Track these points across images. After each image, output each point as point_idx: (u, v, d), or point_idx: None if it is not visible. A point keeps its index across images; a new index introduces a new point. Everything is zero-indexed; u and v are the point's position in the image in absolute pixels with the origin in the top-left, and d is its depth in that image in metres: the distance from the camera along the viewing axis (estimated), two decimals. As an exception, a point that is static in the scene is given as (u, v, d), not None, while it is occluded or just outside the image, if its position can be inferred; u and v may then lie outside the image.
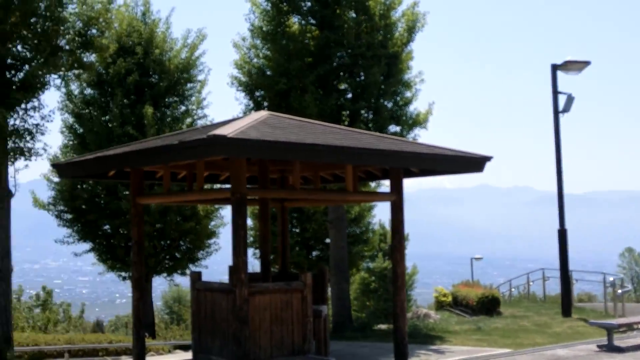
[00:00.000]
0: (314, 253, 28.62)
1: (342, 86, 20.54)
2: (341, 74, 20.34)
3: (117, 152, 12.01)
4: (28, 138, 14.53)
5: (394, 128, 20.44)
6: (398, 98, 20.64)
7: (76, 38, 14.63)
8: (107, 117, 23.33)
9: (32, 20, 14.36)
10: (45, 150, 15.08)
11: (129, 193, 13.12)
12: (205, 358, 11.82)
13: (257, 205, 14.86)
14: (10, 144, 14.54)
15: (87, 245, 24.97)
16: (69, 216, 24.33)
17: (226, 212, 25.65)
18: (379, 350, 14.97)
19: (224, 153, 10.04)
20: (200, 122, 24.47)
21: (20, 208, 15.17)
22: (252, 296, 10.88)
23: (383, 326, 22.03)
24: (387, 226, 43.53)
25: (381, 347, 15.45)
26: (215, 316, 11.61)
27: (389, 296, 33.21)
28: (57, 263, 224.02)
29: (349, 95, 20.42)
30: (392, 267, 12.83)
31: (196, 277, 12.23)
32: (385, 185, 22.50)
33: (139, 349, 13.00)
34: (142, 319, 13.15)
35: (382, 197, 13.72)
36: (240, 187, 10.61)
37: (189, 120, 24.16)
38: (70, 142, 24.18)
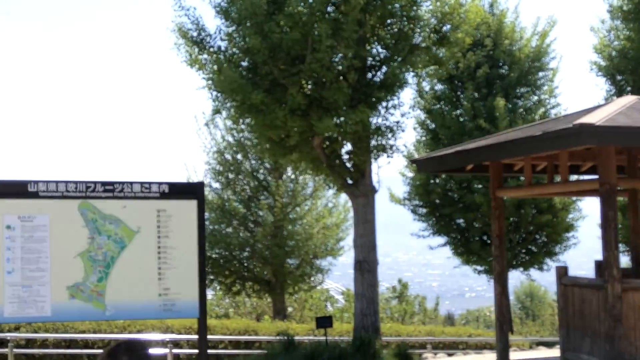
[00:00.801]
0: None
1: None
2: None
3: (476, 146, 11.93)
4: (389, 135, 15.02)
5: None
6: None
7: (431, 35, 14.83)
8: (458, 111, 23.48)
9: (389, 21, 14.80)
10: (405, 146, 15.52)
11: (489, 186, 12.99)
12: (574, 356, 11.30)
13: (624, 196, 14.01)
14: (373, 142, 15.14)
15: (441, 239, 25.35)
16: (424, 210, 24.84)
17: (585, 204, 24.56)
18: None
19: (591, 142, 9.53)
20: (553, 112, 23.70)
21: (375, 204, 15.69)
22: (625, 293, 10.19)
23: None
24: None
25: None
26: (584, 313, 11.05)
27: None
28: (407, 256, 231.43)
29: None
30: None
31: (562, 272, 11.74)
32: None
33: (502, 343, 12.81)
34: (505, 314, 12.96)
35: None
36: (609, 178, 10.01)
37: (541, 110, 23.48)
38: (423, 138, 24.68)
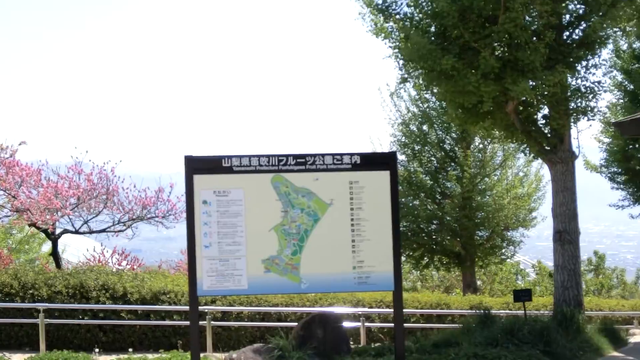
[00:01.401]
0: None
1: None
2: None
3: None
4: (590, 97, 14.01)
5: None
6: None
7: (636, -15, 13.65)
8: (660, 70, 21.88)
9: (586, -26, 13.76)
10: (608, 108, 14.43)
11: None
12: None
13: None
14: (572, 105, 14.20)
15: (642, 208, 23.94)
16: (622, 178, 23.47)
17: None
18: None
19: None
20: None
21: (575, 170, 14.72)
22: None
23: None
24: None
25: None
26: None
27: None
28: (598, 227, 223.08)
29: None
30: None
31: None
32: None
33: None
34: None
35: None
36: None
37: None
38: (620, 101, 23.19)
